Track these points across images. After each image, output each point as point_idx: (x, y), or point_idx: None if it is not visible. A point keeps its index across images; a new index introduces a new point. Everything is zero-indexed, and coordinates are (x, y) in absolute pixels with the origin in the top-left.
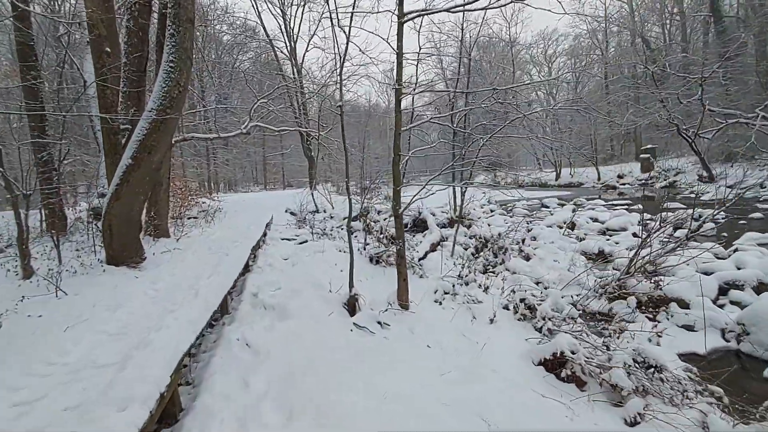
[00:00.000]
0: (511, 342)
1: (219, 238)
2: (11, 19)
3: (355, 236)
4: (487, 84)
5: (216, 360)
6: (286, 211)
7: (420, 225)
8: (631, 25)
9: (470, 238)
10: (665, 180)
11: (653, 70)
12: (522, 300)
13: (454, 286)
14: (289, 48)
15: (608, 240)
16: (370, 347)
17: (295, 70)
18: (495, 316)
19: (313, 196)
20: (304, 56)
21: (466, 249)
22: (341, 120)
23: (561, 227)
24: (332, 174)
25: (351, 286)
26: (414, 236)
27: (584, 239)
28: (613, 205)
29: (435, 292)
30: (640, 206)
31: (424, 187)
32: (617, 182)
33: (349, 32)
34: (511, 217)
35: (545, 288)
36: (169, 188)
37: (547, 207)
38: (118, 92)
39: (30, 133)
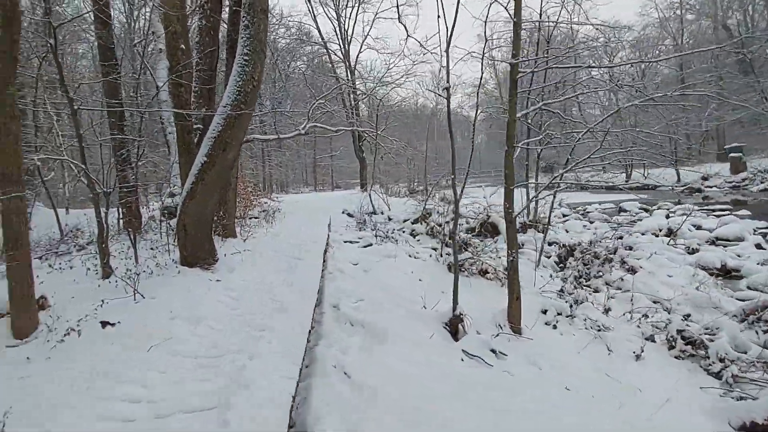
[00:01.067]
0: (680, 390)
1: (284, 240)
2: (93, 13)
3: (418, 240)
4: (543, 78)
5: (315, 395)
6: (342, 212)
7: (488, 229)
8: (713, 11)
9: (549, 245)
10: (762, 182)
11: (751, 56)
12: (679, 332)
13: (571, 306)
14: (343, 50)
15: (725, 251)
16: (493, 385)
17: (348, 71)
18: (642, 352)
19: (370, 197)
20: (357, 57)
21: (548, 257)
22: (448, 106)
23: (657, 234)
24: (381, 176)
25: (455, 303)
26: (482, 241)
27: (697, 250)
28: (711, 210)
29: (545, 312)
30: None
31: (552, 183)
32: (702, 185)
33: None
34: (591, 222)
35: (666, 310)
36: (237, 188)
37: (627, 211)
38: (191, 91)
39: (110, 131)
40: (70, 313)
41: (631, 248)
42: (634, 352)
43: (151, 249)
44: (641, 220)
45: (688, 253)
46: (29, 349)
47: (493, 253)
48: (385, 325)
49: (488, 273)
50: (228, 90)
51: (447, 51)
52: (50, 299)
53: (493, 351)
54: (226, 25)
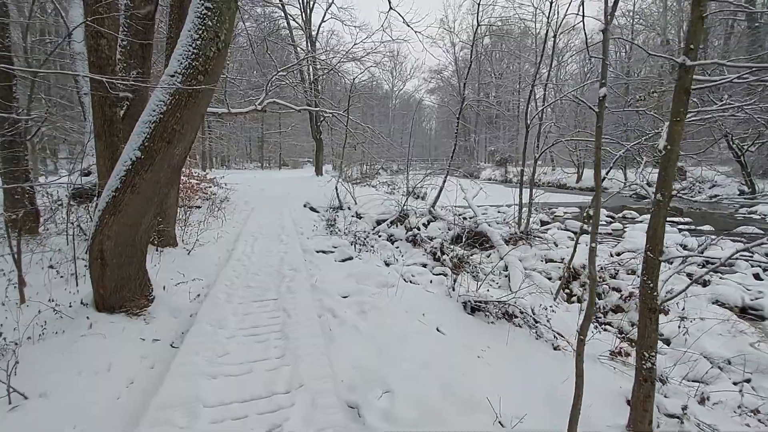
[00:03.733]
0: None
1: (247, 254)
2: None
3: (398, 247)
4: (497, 73)
5: None
6: (304, 206)
7: (476, 240)
8: (663, 23)
9: (545, 262)
10: (699, 192)
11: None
12: None
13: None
14: (304, 17)
15: (737, 284)
16: None
17: (309, 42)
18: None
19: (337, 190)
20: (319, 27)
21: (549, 279)
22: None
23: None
24: (335, 158)
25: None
26: (470, 254)
27: (709, 282)
28: (672, 222)
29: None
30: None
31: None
32: (647, 191)
33: None
34: (574, 233)
35: (719, 368)
36: (179, 183)
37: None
38: (116, 46)
39: None
40: None
41: (634, 272)
42: None
43: (51, 268)
44: (620, 232)
45: (698, 284)
46: None
47: (496, 276)
48: None
49: (515, 317)
50: (177, 51)
51: (605, 30)
52: None
53: None
54: None
